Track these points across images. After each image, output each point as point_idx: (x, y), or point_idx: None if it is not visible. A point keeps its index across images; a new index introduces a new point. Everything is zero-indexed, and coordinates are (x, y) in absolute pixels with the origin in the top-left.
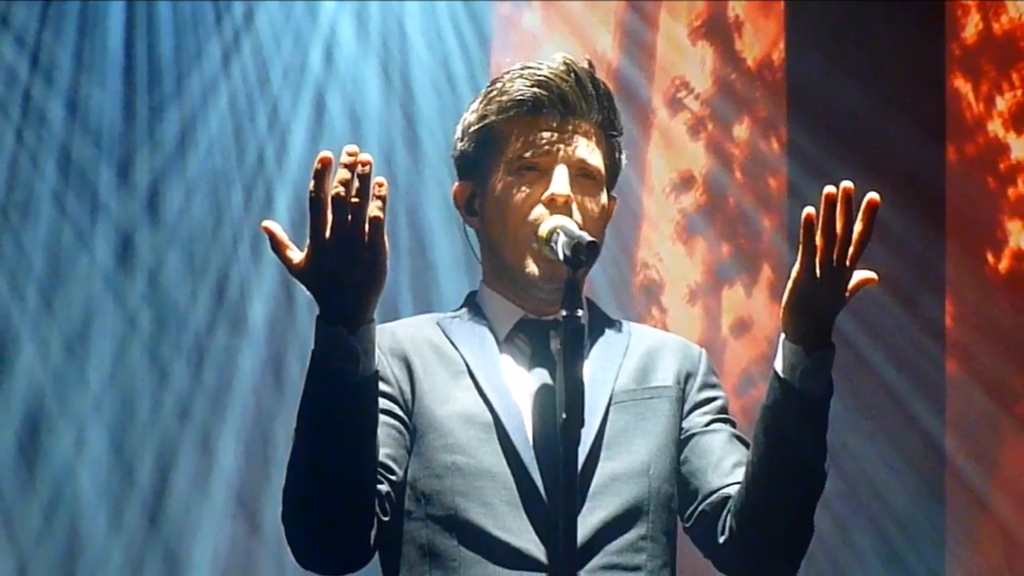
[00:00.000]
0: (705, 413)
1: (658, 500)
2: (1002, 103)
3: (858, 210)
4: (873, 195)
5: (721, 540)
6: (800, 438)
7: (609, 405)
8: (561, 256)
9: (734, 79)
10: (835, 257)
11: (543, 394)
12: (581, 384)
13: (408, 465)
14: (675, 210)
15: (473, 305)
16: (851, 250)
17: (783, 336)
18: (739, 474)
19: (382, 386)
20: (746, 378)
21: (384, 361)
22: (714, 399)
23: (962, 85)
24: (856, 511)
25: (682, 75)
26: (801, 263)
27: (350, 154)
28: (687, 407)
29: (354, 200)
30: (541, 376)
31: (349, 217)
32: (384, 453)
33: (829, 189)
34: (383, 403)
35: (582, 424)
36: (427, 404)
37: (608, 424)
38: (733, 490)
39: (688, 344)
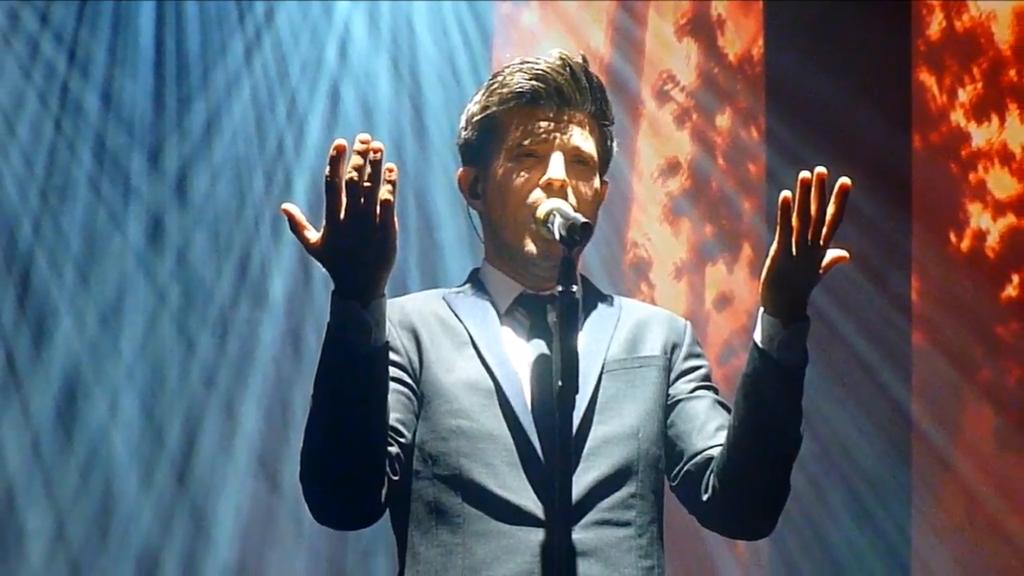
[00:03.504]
0: (690, 380)
1: (647, 461)
2: (963, 95)
3: (831, 194)
4: (844, 180)
5: (705, 498)
6: (778, 403)
7: (601, 373)
8: (557, 236)
9: (716, 73)
10: (809, 237)
11: (541, 363)
12: (576, 354)
13: (416, 429)
14: (662, 193)
15: (476, 281)
16: (824, 230)
17: (762, 309)
18: (721, 437)
19: (392, 356)
20: (728, 349)
21: (394, 332)
22: (698, 368)
23: (927, 78)
24: (829, 471)
25: (669, 69)
26: (778, 242)
27: (363, 142)
28: (673, 375)
29: (366, 184)
30: (539, 346)
31: (362, 200)
32: (394, 418)
33: (804, 174)
34: (393, 371)
35: (576, 391)
36: (434, 372)
37: (600, 391)
38: (716, 451)
39: (674, 317)
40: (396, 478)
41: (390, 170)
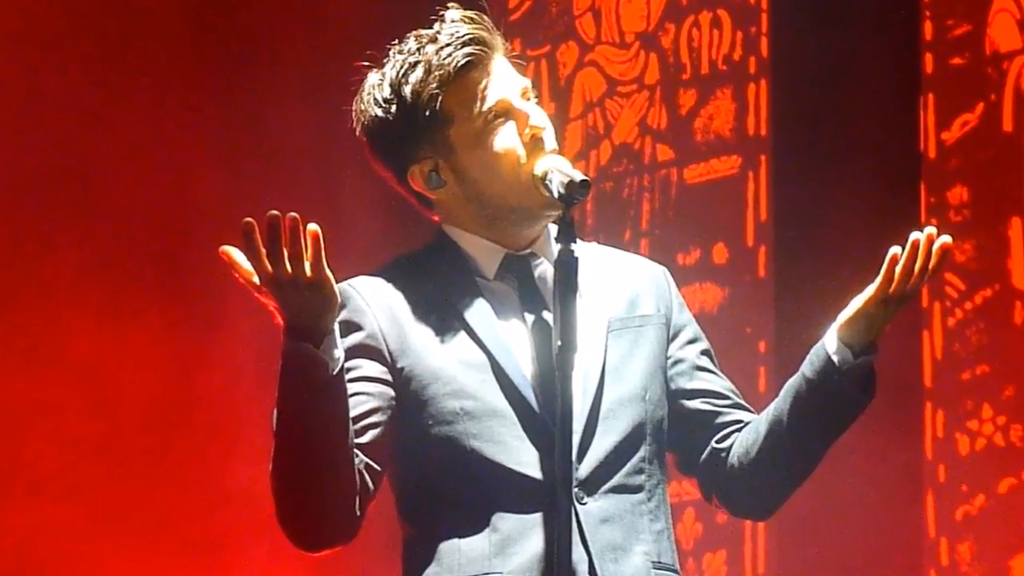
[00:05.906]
0: (690, 342)
1: (653, 423)
2: None
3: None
4: (946, 238)
5: (722, 475)
6: (838, 431)
7: (608, 333)
8: (556, 194)
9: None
10: (907, 287)
11: (537, 326)
12: (574, 314)
13: (405, 420)
14: None
15: (448, 248)
16: (917, 280)
17: (835, 338)
18: (737, 413)
19: (368, 340)
20: None
21: (370, 315)
22: (689, 322)
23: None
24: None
25: None
26: (878, 288)
27: (272, 219)
28: (671, 332)
29: (288, 271)
30: (531, 309)
31: (288, 268)
32: (368, 423)
33: (916, 235)
34: (368, 367)
35: (575, 350)
36: (424, 353)
37: (608, 352)
38: (735, 428)
39: (652, 266)
40: (372, 488)
41: (313, 234)
